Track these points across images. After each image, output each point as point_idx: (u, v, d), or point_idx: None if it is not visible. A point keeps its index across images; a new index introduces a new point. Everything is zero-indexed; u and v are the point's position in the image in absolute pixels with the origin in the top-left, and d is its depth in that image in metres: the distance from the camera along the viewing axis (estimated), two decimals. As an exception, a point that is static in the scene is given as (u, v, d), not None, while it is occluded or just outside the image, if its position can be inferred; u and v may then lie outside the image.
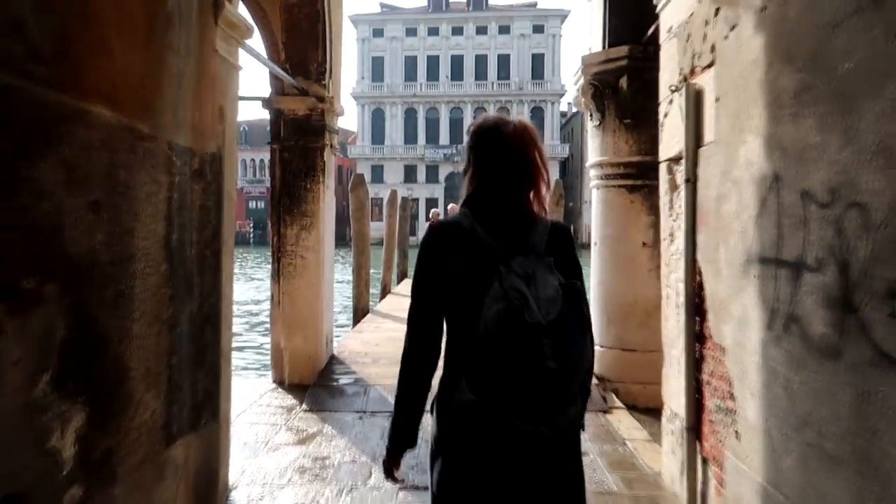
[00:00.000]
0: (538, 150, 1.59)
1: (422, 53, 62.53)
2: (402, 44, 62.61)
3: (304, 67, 5.26)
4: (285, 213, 5.34)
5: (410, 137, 62.44)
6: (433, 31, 62.61)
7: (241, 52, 3.31)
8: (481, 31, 61.93)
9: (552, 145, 57.93)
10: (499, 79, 61.53)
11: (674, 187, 3.31)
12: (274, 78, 5.32)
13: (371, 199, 48.39)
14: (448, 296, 1.53)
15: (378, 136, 62.75)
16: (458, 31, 62.31)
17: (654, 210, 5.15)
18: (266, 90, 5.48)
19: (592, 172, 5.49)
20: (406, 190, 60.84)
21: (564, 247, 1.57)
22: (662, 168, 3.40)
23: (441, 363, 1.58)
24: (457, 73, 62.25)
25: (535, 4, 63.58)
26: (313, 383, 5.25)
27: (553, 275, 1.44)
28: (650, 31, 4.82)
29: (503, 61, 61.63)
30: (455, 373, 1.49)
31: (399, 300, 10.41)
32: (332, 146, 5.53)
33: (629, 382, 5.18)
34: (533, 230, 1.54)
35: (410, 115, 62.89)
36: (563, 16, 61.70)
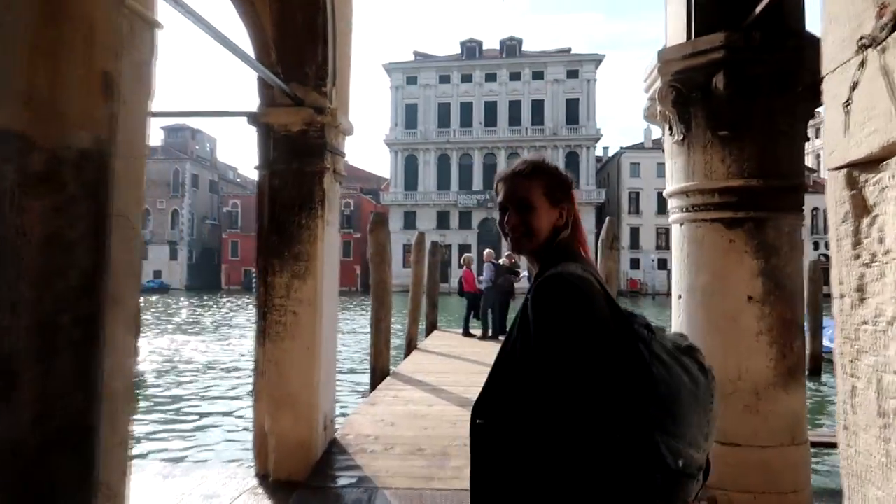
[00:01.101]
0: None
1: (455, 100, 62.48)
2: (436, 91, 62.72)
3: (300, 71, 4.14)
4: (273, 255, 4.15)
5: (443, 184, 61.97)
6: (466, 78, 62.63)
7: (222, 50, 2.15)
8: (515, 77, 61.71)
9: (588, 190, 56.71)
10: (533, 124, 60.94)
11: (864, 210, 1.94)
12: (263, 85, 4.21)
13: (403, 245, 47.73)
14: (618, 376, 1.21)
15: (411, 182, 62.44)
16: (491, 77, 62.21)
17: (765, 252, 3.85)
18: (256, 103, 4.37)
19: (673, 203, 4.18)
20: (439, 236, 60.07)
21: None
22: (836, 180, 2.06)
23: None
24: (490, 119, 61.91)
25: (569, 50, 63.33)
26: (304, 481, 3.94)
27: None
28: (760, 6, 3.58)
29: (537, 107, 61.14)
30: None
31: (426, 358, 9.10)
32: (335, 171, 4.36)
33: (732, 490, 3.75)
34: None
35: (443, 161, 62.53)
36: (597, 61, 61.20)
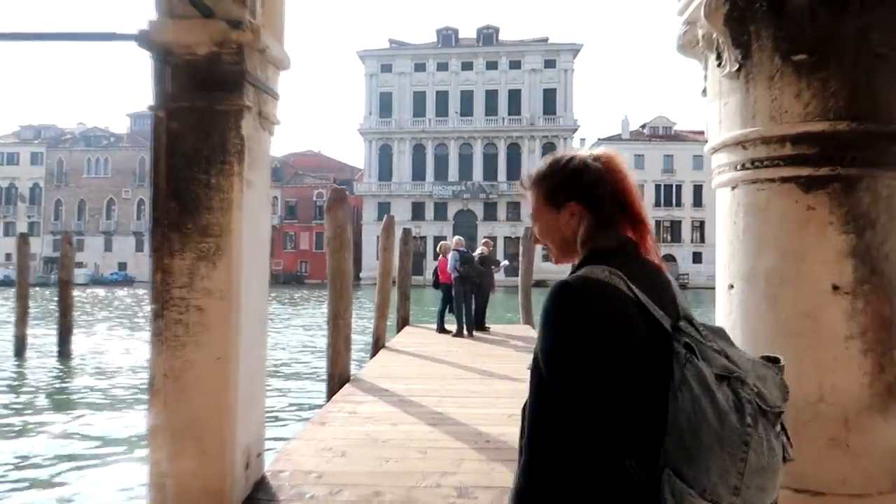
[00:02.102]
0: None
1: (431, 89, 61.19)
2: (411, 79, 61.34)
3: (209, -31, 2.95)
4: (172, 228, 2.98)
5: (419, 174, 60.74)
6: (442, 67, 61.31)
7: None
8: (491, 66, 60.54)
9: (565, 182, 55.79)
10: (510, 114, 59.96)
11: None
12: (158, -8, 3.02)
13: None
14: (617, 394, 1.11)
15: (385, 172, 61.09)
16: (467, 66, 60.99)
17: (857, 224, 2.80)
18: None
19: (721, 160, 3.08)
20: (414, 227, 58.51)
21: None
22: None
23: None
24: (466, 108, 60.72)
25: (546, 39, 62.35)
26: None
27: (737, 348, 1.18)
28: None
29: (514, 97, 60.13)
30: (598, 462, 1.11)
31: (394, 360, 7.96)
32: (261, 114, 3.20)
33: (812, 554, 2.69)
34: (674, 289, 1.23)
35: (419, 151, 61.27)
36: (575, 50, 60.33)
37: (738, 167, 2.96)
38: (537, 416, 1.17)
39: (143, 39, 3.01)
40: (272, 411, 7.93)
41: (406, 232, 12.41)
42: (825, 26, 2.72)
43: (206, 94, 2.96)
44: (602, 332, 1.09)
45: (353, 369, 8.62)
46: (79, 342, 15.20)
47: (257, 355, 3.31)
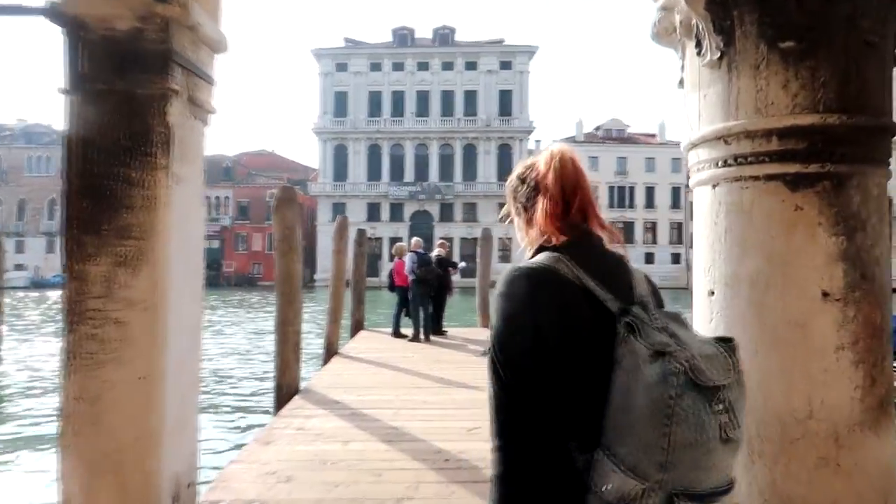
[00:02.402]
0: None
1: (386, 88, 60.67)
2: (367, 78, 60.69)
3: (129, -67, 2.57)
4: (85, 230, 2.59)
5: (374, 174, 60.12)
6: (398, 66, 60.86)
7: None
8: (447, 66, 60.36)
9: (521, 183, 55.99)
10: (466, 115, 59.91)
11: None
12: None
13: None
14: (559, 375, 1.12)
15: (340, 172, 60.27)
16: (423, 66, 60.68)
17: (847, 225, 2.61)
18: None
19: (700, 156, 2.85)
20: (370, 228, 57.97)
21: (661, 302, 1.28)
22: None
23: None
24: (422, 109, 60.42)
25: (502, 41, 62.51)
26: None
27: (689, 328, 1.17)
28: None
29: (470, 98, 60.10)
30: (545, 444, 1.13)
31: (348, 368, 7.61)
32: (192, 100, 2.83)
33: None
34: (633, 277, 1.24)
35: (374, 151, 60.64)
36: (530, 52, 60.65)
37: (720, 164, 2.74)
38: (496, 401, 1.18)
39: (53, 12, 2.61)
40: (214, 429, 7.48)
41: (360, 233, 12.03)
42: (814, 11, 2.51)
43: (127, 76, 2.58)
44: (546, 314, 1.12)
45: (305, 378, 8.25)
46: (10, 349, 14.31)
47: (189, 372, 2.93)
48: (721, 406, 1.06)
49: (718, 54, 2.74)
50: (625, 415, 1.05)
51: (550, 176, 1.30)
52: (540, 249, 1.27)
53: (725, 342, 1.16)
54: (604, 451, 1.07)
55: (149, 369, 2.62)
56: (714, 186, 2.79)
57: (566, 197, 1.28)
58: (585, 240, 1.26)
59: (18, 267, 58.43)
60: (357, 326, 11.84)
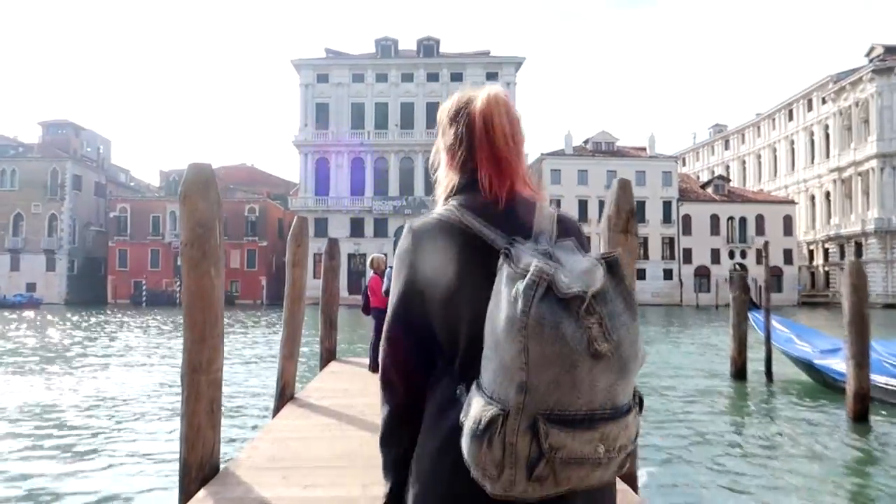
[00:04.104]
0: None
1: (370, 100, 58.89)
2: (349, 90, 58.88)
3: None
4: None
5: (357, 188, 58.16)
6: (382, 78, 59.14)
7: None
8: (433, 77, 58.73)
9: (509, 197, 54.37)
10: (451, 127, 58.14)
11: None
12: None
13: (314, 254, 43.66)
14: (437, 307, 1.18)
15: (322, 187, 58.20)
16: (407, 77, 59.02)
17: None
18: None
19: None
20: (353, 244, 56.10)
21: (582, 243, 1.19)
22: None
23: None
24: (407, 121, 58.65)
25: (487, 52, 61.09)
26: None
27: (581, 252, 1.12)
28: None
29: (456, 109, 58.33)
30: (443, 392, 1.15)
31: (303, 425, 5.49)
32: None
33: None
34: (537, 217, 1.21)
35: (357, 164, 58.68)
36: (517, 63, 59.29)
37: None
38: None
39: None
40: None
41: (331, 243, 9.94)
42: None
43: None
44: (424, 265, 1.18)
45: (234, 446, 6.24)
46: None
47: None
48: (592, 319, 0.99)
49: None
50: (491, 339, 1.03)
51: (467, 120, 1.28)
52: (445, 196, 1.31)
53: (606, 256, 1.09)
54: (475, 384, 1.05)
55: None
56: None
57: (475, 141, 1.27)
58: (485, 183, 1.24)
59: (-20, 286, 55.53)
60: (328, 356, 9.73)
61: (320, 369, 9.39)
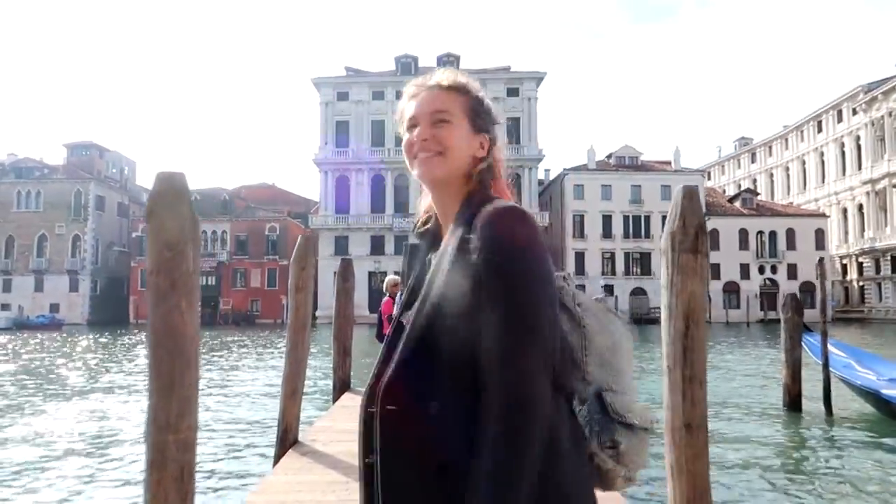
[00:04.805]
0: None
1: (390, 117, 58.50)
2: (369, 107, 58.69)
3: None
4: None
5: (378, 206, 57.73)
6: (402, 94, 58.69)
7: None
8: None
9: (530, 213, 53.47)
10: (472, 143, 57.59)
11: None
12: None
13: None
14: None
15: (342, 204, 57.89)
16: (428, 94, 58.55)
17: None
18: None
19: None
20: (373, 262, 55.53)
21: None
22: None
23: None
24: (428, 137, 58.06)
25: (508, 68, 60.60)
26: None
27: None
28: None
29: (476, 125, 57.82)
30: (568, 414, 1.10)
31: (305, 479, 4.70)
32: None
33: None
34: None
35: (378, 182, 58.32)
36: (538, 78, 58.70)
37: None
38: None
39: None
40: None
41: (345, 263, 9.19)
42: None
43: None
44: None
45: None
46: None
47: None
48: None
49: None
50: (616, 353, 1.16)
51: (497, 122, 1.26)
52: (477, 187, 1.17)
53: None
54: (596, 396, 1.12)
55: None
56: None
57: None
58: None
59: (5, 307, 55.81)
60: (342, 387, 8.93)
61: (333, 401, 8.61)
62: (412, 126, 1.19)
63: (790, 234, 60.20)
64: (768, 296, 57.63)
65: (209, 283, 59.12)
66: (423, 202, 1.27)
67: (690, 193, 3.50)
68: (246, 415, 11.04)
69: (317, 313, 48.68)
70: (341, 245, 55.63)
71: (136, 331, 44.37)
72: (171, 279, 3.26)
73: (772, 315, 48.88)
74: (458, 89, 1.19)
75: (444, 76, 1.21)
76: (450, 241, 1.10)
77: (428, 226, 1.24)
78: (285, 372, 5.82)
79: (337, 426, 6.59)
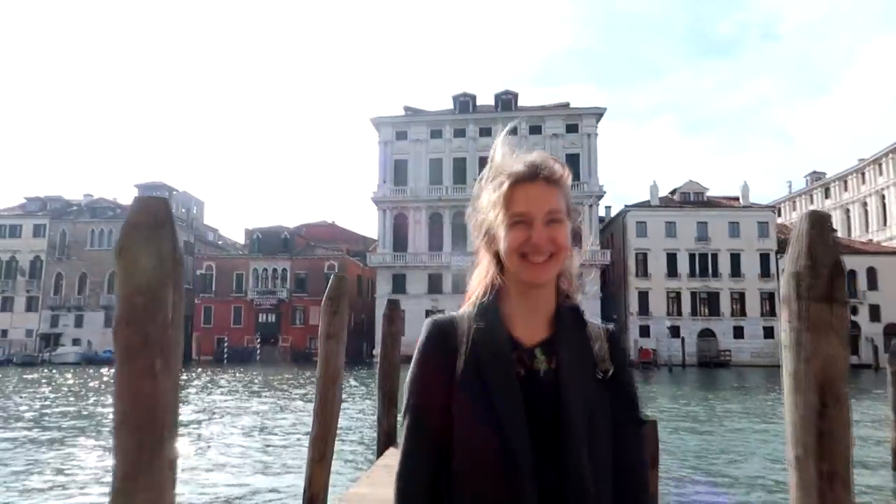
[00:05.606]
0: None
1: (447, 156, 58.66)
2: (427, 146, 58.94)
3: None
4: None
5: (435, 244, 57.38)
6: (459, 133, 58.93)
7: None
8: (511, 131, 57.63)
9: (591, 251, 51.97)
10: (531, 180, 56.88)
11: None
12: None
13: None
14: None
15: (400, 243, 57.87)
16: (486, 131, 58.47)
17: None
18: None
19: None
20: (431, 301, 54.94)
21: None
22: None
23: None
24: (485, 175, 57.74)
25: (567, 104, 59.95)
26: None
27: None
28: None
29: (535, 162, 57.18)
30: None
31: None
32: None
33: None
34: None
35: (435, 220, 58.12)
36: (598, 114, 57.76)
37: None
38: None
39: None
40: None
41: (391, 305, 8.49)
42: None
43: None
44: None
45: None
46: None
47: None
48: None
49: None
50: None
51: None
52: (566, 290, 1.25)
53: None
54: None
55: None
56: None
57: None
58: None
59: (76, 342, 57.70)
60: (386, 440, 8.15)
61: (376, 457, 7.83)
62: (520, 222, 1.15)
63: (871, 272, 56.41)
64: (850, 339, 53.87)
65: (269, 320, 59.74)
66: (476, 279, 1.30)
67: (821, 221, 2.60)
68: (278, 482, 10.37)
69: (374, 352, 48.30)
70: (399, 283, 55.38)
71: (197, 368, 45.14)
72: (143, 333, 2.52)
73: (853, 360, 45.59)
74: (561, 184, 1.18)
75: (547, 168, 1.17)
76: (572, 344, 1.16)
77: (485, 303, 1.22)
78: (313, 433, 5.09)
79: (375, 494, 5.77)
